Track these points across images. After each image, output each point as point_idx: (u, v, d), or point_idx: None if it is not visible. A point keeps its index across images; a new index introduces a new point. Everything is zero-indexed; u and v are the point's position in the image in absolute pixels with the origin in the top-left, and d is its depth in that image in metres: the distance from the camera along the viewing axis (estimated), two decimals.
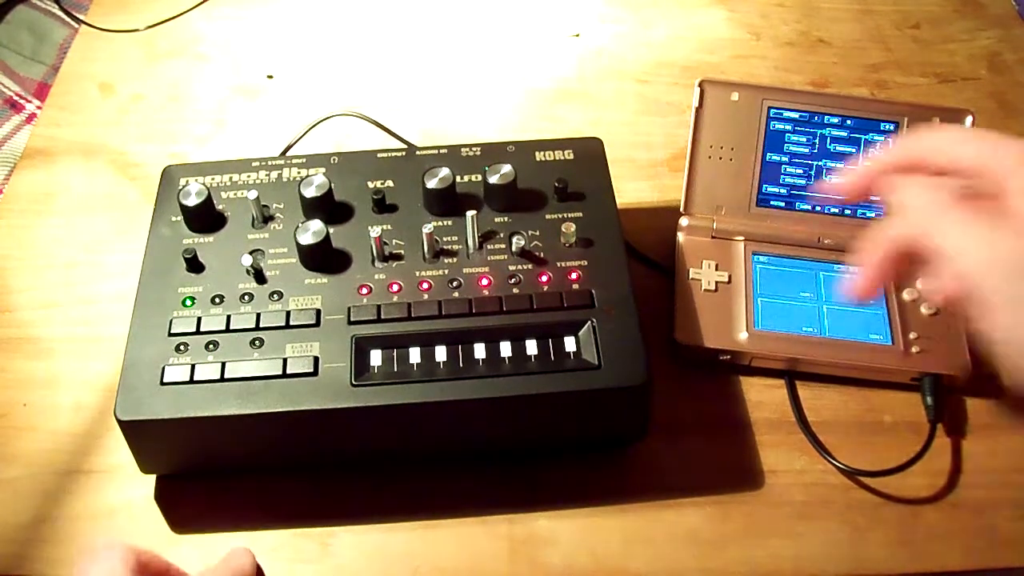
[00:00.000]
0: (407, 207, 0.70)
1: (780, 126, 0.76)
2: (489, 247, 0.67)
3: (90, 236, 0.80)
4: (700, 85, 0.76)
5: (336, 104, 0.88)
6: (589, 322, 0.63)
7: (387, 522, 0.64)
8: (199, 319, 0.63)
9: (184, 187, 0.68)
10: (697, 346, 0.70)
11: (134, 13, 0.99)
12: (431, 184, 0.68)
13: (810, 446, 0.68)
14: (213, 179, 0.71)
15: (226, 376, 0.61)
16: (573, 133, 0.75)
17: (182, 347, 0.62)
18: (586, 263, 0.66)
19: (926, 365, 0.69)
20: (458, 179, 0.70)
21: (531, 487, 0.66)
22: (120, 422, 0.60)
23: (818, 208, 0.76)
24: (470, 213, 0.66)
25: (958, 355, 0.70)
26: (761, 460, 0.67)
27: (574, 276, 0.66)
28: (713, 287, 0.73)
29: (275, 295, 0.65)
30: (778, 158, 0.76)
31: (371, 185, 0.71)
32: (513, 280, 0.66)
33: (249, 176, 0.72)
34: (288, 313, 0.64)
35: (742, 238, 0.75)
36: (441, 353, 0.62)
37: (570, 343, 0.63)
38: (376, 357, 0.62)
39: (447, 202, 0.69)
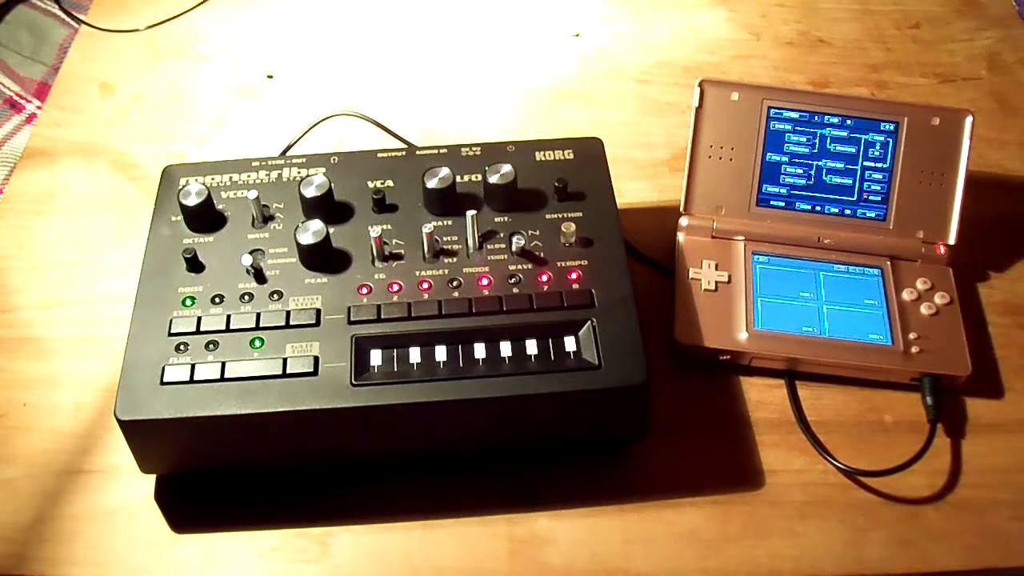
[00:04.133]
0: (407, 207, 0.70)
1: (780, 126, 0.76)
2: (489, 247, 0.67)
3: (90, 236, 0.80)
4: (700, 85, 0.76)
5: (336, 104, 0.88)
6: (589, 322, 0.63)
7: (387, 522, 0.64)
8: (199, 319, 0.63)
9: (184, 187, 0.68)
10: (697, 346, 0.70)
11: (134, 13, 0.99)
12: (431, 184, 0.68)
13: (810, 446, 0.68)
14: (213, 179, 0.71)
15: (226, 376, 0.61)
16: (573, 133, 0.75)
17: (182, 347, 0.62)
18: (586, 263, 0.66)
19: (926, 365, 0.69)
20: (458, 179, 0.70)
21: (531, 487, 0.66)
22: (120, 422, 0.60)
23: (818, 208, 0.76)
24: (470, 213, 0.66)
25: (958, 355, 0.70)
26: (761, 460, 0.67)
27: (574, 276, 0.66)
28: (713, 287, 0.73)
29: (275, 295, 0.65)
30: (778, 158, 0.76)
31: (371, 185, 0.71)
32: (513, 280, 0.66)
33: (249, 176, 0.72)
34: (288, 313, 0.64)
35: (742, 238, 0.75)
36: (441, 353, 0.62)
37: (570, 343, 0.63)
38: (376, 357, 0.62)
39: (447, 202, 0.69)
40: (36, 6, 1.02)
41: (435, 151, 0.73)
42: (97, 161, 0.86)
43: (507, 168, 0.69)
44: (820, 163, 0.76)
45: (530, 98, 0.92)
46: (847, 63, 0.96)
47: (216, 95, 0.92)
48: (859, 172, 0.76)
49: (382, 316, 0.64)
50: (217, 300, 0.65)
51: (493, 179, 0.69)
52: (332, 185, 0.69)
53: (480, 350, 0.62)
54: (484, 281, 0.66)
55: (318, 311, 0.64)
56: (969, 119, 0.75)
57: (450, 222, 0.69)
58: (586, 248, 0.67)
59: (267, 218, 0.69)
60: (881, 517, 0.65)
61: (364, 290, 0.65)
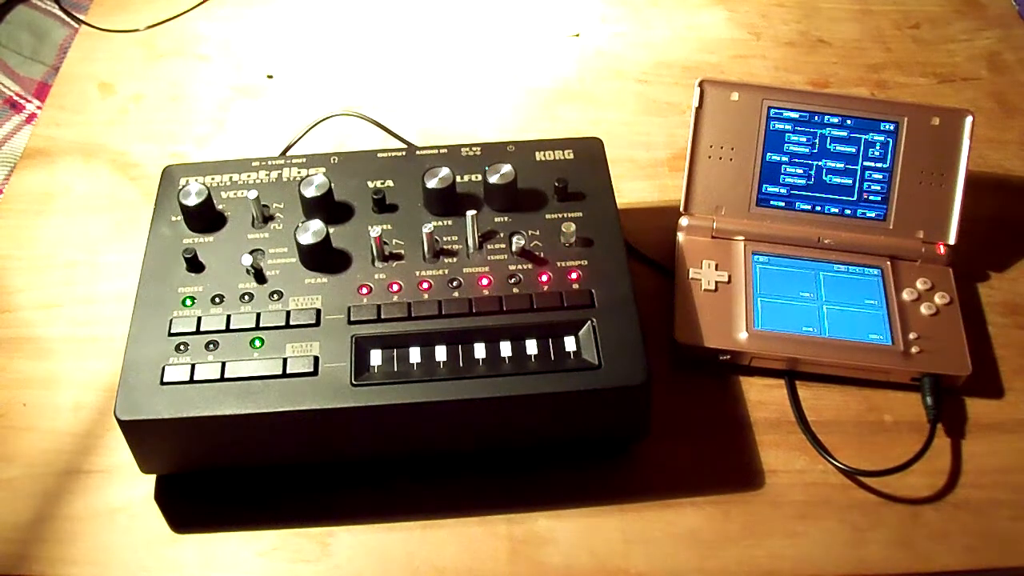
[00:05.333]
0: (407, 207, 0.70)
1: (780, 126, 0.76)
2: (489, 247, 0.67)
3: (90, 236, 0.80)
4: (700, 85, 0.76)
5: (336, 104, 0.88)
6: (589, 322, 0.63)
7: (387, 522, 0.64)
8: (199, 319, 0.63)
9: (184, 187, 0.68)
10: (697, 346, 0.70)
11: (134, 13, 0.99)
12: (431, 184, 0.68)
13: (810, 446, 0.68)
14: (213, 179, 0.71)
15: (226, 376, 0.61)
16: (573, 133, 0.75)
17: (182, 347, 0.62)
18: (586, 263, 0.66)
19: (926, 365, 0.69)
20: (458, 179, 0.70)
21: (531, 487, 0.66)
22: (120, 422, 0.60)
23: (818, 208, 0.76)
24: (470, 213, 0.66)
25: (958, 355, 0.70)
26: (761, 460, 0.67)
27: (574, 276, 0.66)
28: (713, 287, 0.73)
29: (275, 295, 0.65)
30: (778, 158, 0.76)
31: (371, 185, 0.71)
32: (513, 280, 0.66)
33: (249, 176, 0.72)
34: (288, 313, 0.64)
35: (742, 238, 0.75)
36: (441, 353, 0.62)
37: (570, 343, 0.63)
38: (376, 357, 0.62)
39: (447, 202, 0.69)
40: (36, 6, 1.02)
41: (435, 151, 0.73)
42: (97, 161, 0.86)
43: (507, 168, 0.69)
44: (820, 163, 0.76)
45: (530, 98, 0.92)
46: (847, 63, 0.96)
47: (216, 95, 0.92)
48: (859, 172, 0.76)
49: (382, 316, 0.64)
50: (217, 300, 0.65)
51: (493, 179, 0.69)
52: (332, 185, 0.69)
53: (480, 350, 0.62)
54: (484, 281, 0.66)
55: (318, 311, 0.64)
56: (969, 119, 0.75)
57: (450, 222, 0.69)
58: (586, 248, 0.67)
59: (267, 218, 0.69)
60: (881, 517, 0.65)
61: (364, 290, 0.65)
